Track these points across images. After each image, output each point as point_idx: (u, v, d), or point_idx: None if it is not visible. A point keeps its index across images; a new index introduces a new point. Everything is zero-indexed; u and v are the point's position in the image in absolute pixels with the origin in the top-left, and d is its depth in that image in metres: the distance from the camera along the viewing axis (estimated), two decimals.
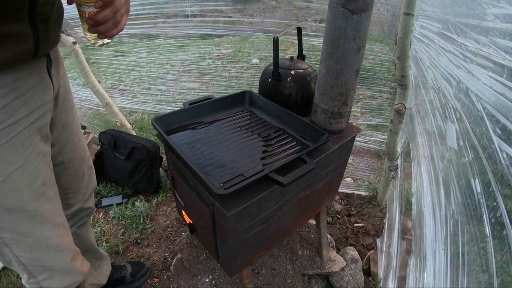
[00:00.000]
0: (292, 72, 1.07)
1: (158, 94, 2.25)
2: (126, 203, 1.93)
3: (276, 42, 1.01)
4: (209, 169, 0.88)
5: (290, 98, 1.09)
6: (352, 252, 1.53)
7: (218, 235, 0.89)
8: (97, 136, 2.07)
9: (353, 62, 0.88)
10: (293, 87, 1.08)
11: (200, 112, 1.11)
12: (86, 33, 0.68)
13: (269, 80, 1.11)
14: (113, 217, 1.84)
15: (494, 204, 0.59)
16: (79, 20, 0.65)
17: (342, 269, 1.45)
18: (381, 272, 1.48)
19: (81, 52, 1.82)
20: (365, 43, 0.87)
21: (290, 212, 1.01)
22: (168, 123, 1.03)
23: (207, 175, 0.85)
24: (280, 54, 1.05)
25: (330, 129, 1.01)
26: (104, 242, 1.70)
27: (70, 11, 2.03)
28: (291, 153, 0.95)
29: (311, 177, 0.98)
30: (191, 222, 1.13)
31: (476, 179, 0.69)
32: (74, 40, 1.78)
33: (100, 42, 0.70)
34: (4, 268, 1.55)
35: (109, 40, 0.70)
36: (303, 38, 1.18)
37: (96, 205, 1.92)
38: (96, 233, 1.72)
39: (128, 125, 2.05)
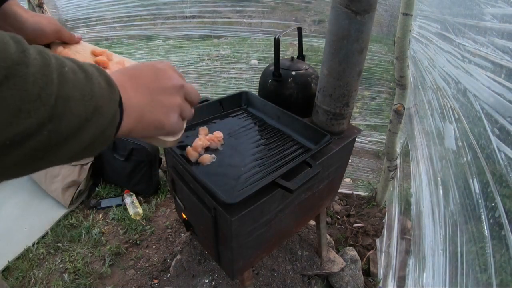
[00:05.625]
0: (293, 72, 1.07)
1: None
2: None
3: (277, 42, 1.01)
4: (210, 173, 0.88)
5: (291, 99, 1.09)
6: (351, 252, 1.53)
7: (220, 238, 0.89)
8: None
9: (355, 63, 0.88)
10: (294, 88, 1.08)
11: (196, 114, 1.10)
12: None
13: (270, 80, 1.11)
14: (112, 219, 1.84)
15: (493, 204, 0.59)
16: None
17: (342, 269, 1.45)
18: (380, 272, 1.48)
19: None
20: (368, 44, 0.87)
21: (291, 214, 1.01)
22: None
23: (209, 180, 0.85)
24: (280, 55, 1.05)
25: (331, 130, 1.01)
26: (104, 243, 1.70)
27: (69, 12, 2.03)
28: (293, 156, 0.95)
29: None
30: (187, 218, 1.12)
31: (475, 180, 0.69)
32: None
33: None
34: (3, 271, 1.54)
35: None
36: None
37: (95, 207, 1.91)
38: (95, 234, 1.72)
39: None
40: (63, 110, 0.28)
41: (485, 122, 0.66)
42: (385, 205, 1.85)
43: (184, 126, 0.51)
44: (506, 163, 0.56)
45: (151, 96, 0.41)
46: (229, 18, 2.09)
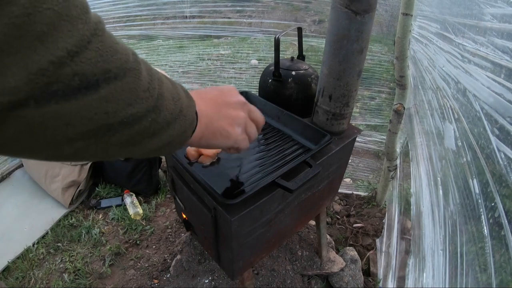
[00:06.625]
0: (293, 72, 1.07)
1: None
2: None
3: (277, 42, 1.01)
4: (209, 173, 0.88)
5: (291, 99, 1.09)
6: (351, 252, 1.53)
7: (220, 238, 0.89)
8: None
9: (355, 63, 0.88)
10: (294, 88, 1.08)
11: None
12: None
13: (270, 80, 1.11)
14: (112, 219, 1.84)
15: (493, 204, 0.59)
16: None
17: (342, 269, 1.45)
18: (380, 272, 1.48)
19: None
20: (368, 44, 0.87)
21: (291, 214, 1.01)
22: None
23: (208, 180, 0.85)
24: (280, 55, 1.05)
25: (331, 130, 1.01)
26: (104, 243, 1.70)
27: None
28: (293, 156, 0.95)
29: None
30: (187, 218, 1.12)
31: (474, 180, 0.69)
32: None
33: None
34: (3, 271, 1.54)
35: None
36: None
37: (95, 206, 1.91)
38: (95, 234, 1.72)
39: None
40: (161, 104, 0.35)
41: (485, 122, 0.66)
42: (385, 205, 1.85)
43: (248, 144, 0.57)
44: (505, 163, 0.56)
45: (217, 108, 0.48)
46: (229, 18, 2.10)
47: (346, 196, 2.02)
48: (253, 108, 0.55)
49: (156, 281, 1.50)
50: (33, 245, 1.67)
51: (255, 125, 0.56)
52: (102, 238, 1.72)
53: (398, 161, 1.65)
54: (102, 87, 0.28)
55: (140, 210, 1.85)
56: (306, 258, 1.47)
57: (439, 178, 0.97)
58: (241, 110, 0.52)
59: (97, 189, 2.03)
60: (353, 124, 1.14)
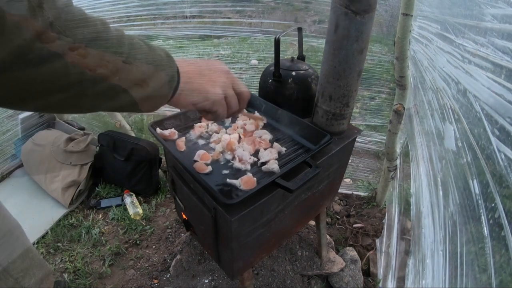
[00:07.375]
0: (293, 73, 1.07)
1: None
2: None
3: (277, 42, 1.01)
4: (210, 173, 0.88)
5: (291, 99, 1.09)
6: (351, 252, 1.53)
7: (220, 238, 0.89)
8: (96, 137, 2.06)
9: (355, 64, 0.88)
10: (294, 88, 1.08)
11: (196, 115, 1.11)
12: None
13: (270, 81, 1.11)
14: (112, 219, 1.84)
15: (493, 205, 0.59)
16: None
17: (342, 269, 1.45)
18: (380, 272, 1.48)
19: None
20: (367, 44, 0.87)
21: (291, 214, 1.01)
22: (166, 127, 1.03)
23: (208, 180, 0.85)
24: (280, 55, 1.05)
25: (331, 130, 1.01)
26: (104, 243, 1.70)
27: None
28: (293, 156, 0.95)
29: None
30: (187, 218, 1.12)
31: (475, 180, 0.69)
32: None
33: None
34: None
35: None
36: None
37: (95, 206, 1.91)
38: (95, 234, 1.72)
39: (127, 126, 2.05)
40: (130, 65, 0.41)
41: (485, 122, 0.66)
42: (385, 205, 1.85)
43: (227, 114, 0.59)
44: (506, 163, 0.56)
45: (200, 70, 0.52)
46: (229, 18, 2.09)
47: (346, 196, 2.02)
48: (237, 80, 0.58)
49: (156, 281, 1.50)
50: (33, 245, 1.67)
51: (238, 97, 0.59)
52: (102, 238, 1.72)
53: (398, 162, 1.65)
54: (66, 57, 0.35)
55: (140, 210, 1.85)
56: (306, 258, 1.47)
57: (439, 179, 0.97)
58: (223, 76, 0.55)
59: (97, 189, 2.03)
60: (353, 124, 1.14)
